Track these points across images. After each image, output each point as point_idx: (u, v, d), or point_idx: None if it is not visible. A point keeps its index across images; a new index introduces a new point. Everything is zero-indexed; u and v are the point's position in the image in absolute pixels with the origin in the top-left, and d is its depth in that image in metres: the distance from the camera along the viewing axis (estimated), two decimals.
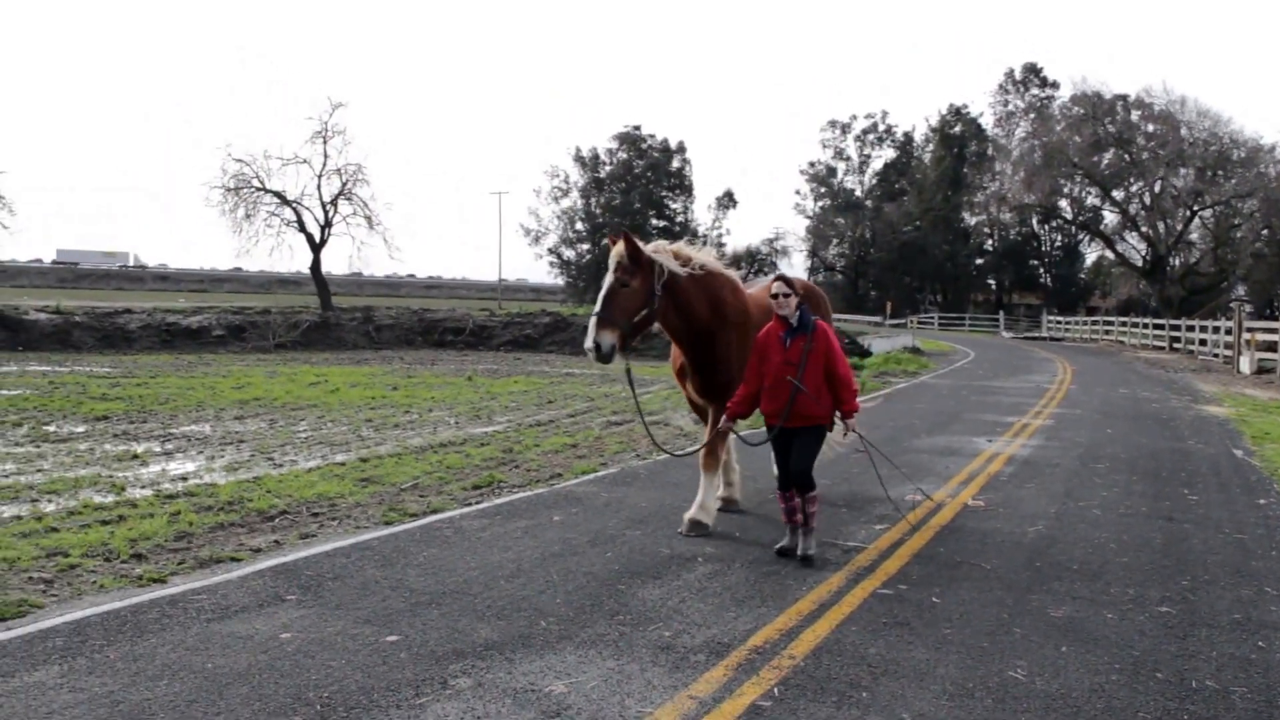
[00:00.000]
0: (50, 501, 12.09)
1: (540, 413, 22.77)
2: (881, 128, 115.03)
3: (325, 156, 61.32)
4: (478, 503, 12.36)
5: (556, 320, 54.03)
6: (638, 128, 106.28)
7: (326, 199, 61.59)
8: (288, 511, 11.72)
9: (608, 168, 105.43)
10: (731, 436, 11.49)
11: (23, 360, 37.86)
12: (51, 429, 18.67)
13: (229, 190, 58.91)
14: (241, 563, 9.50)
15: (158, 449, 16.41)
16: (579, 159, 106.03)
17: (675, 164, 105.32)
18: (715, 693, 6.47)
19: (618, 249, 10.16)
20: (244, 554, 9.81)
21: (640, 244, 10.31)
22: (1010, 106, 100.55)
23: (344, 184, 61.56)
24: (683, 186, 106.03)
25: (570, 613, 8.02)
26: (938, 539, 10.78)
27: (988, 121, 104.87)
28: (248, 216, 59.86)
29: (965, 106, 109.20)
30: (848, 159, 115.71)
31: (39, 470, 14.19)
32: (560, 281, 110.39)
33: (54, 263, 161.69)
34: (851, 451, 13.84)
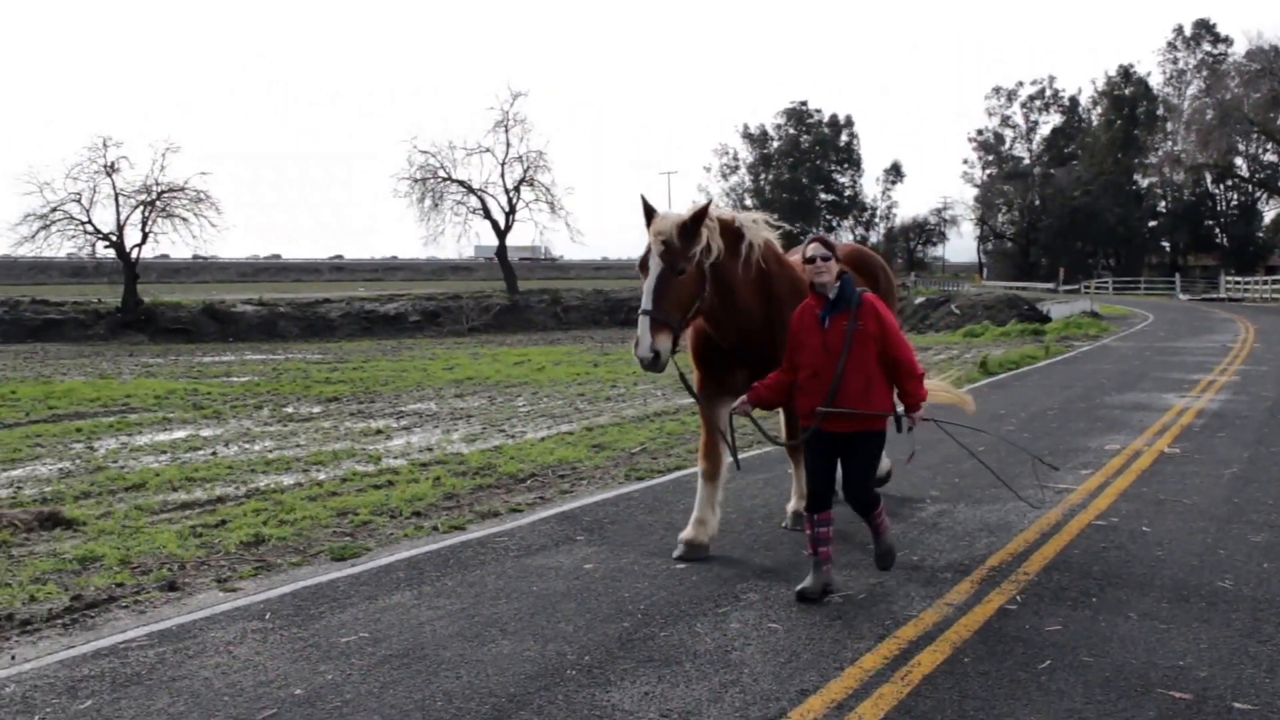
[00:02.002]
0: (320, 471, 13.66)
1: None
2: (1048, 93, 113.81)
3: (507, 145, 63.93)
4: None
5: None
6: (804, 103, 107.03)
7: (509, 186, 63.83)
8: (536, 475, 13.11)
9: (775, 144, 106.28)
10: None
11: (236, 350, 40.49)
12: (290, 410, 20.51)
13: (416, 181, 61.55)
14: (522, 513, 10.92)
15: (395, 425, 18.05)
16: (747, 136, 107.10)
17: (843, 138, 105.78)
18: (966, 600, 7.67)
19: (663, 223, 8.12)
20: (522, 506, 11.25)
21: (699, 214, 8.24)
22: (1181, 64, 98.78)
23: (525, 171, 63.91)
24: (850, 160, 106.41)
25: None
26: (1140, 480, 11.78)
27: (1157, 81, 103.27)
28: (435, 205, 62.54)
29: (1133, 66, 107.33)
30: (1014, 126, 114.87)
31: (297, 445, 15.87)
32: None
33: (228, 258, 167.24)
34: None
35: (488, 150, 64.83)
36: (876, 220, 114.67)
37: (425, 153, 63.19)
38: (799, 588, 7.81)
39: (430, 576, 8.53)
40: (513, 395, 22.61)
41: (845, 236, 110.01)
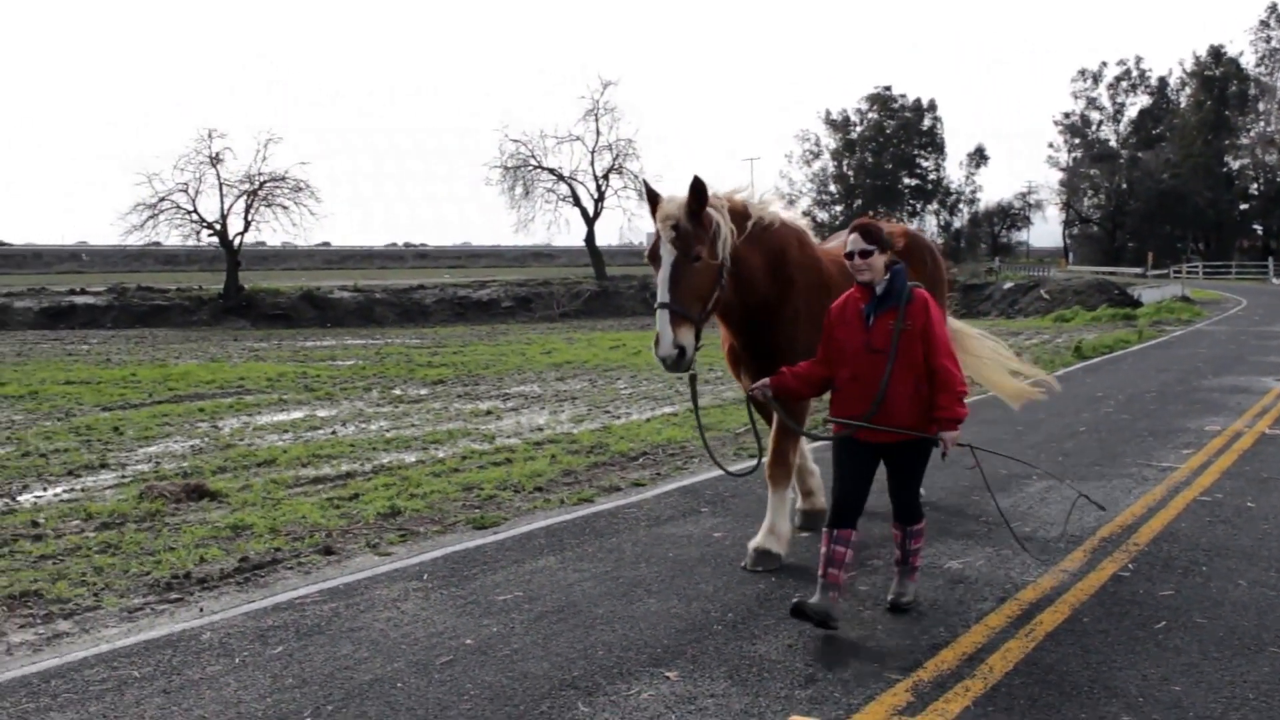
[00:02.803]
0: (439, 449, 14.23)
1: None
2: (1135, 74, 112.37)
3: (597, 133, 64.69)
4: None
5: None
6: (888, 88, 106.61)
7: (599, 173, 64.59)
8: (647, 453, 13.59)
9: (858, 129, 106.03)
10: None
11: (335, 335, 41.41)
12: (398, 392, 21.17)
13: (507, 169, 62.43)
14: (644, 487, 11.41)
15: (502, 406, 18.64)
16: (829, 122, 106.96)
17: (926, 122, 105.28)
18: (1080, 568, 8.07)
19: (669, 205, 7.47)
20: (644, 481, 11.74)
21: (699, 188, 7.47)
22: (1274, 43, 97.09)
23: (615, 158, 64.60)
24: (934, 145, 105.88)
25: (943, 516, 9.73)
26: (1243, 460, 12.06)
27: (1248, 61, 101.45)
28: (526, 193, 63.46)
29: (1224, 46, 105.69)
30: (1101, 108, 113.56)
31: (411, 425, 16.48)
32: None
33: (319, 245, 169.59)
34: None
35: (578, 139, 66.21)
36: (960, 205, 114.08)
37: (516, 141, 64.34)
38: (796, 600, 6.80)
39: (570, 543, 9.04)
40: (612, 378, 23.16)
41: (929, 221, 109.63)
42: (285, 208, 55.62)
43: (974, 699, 5.72)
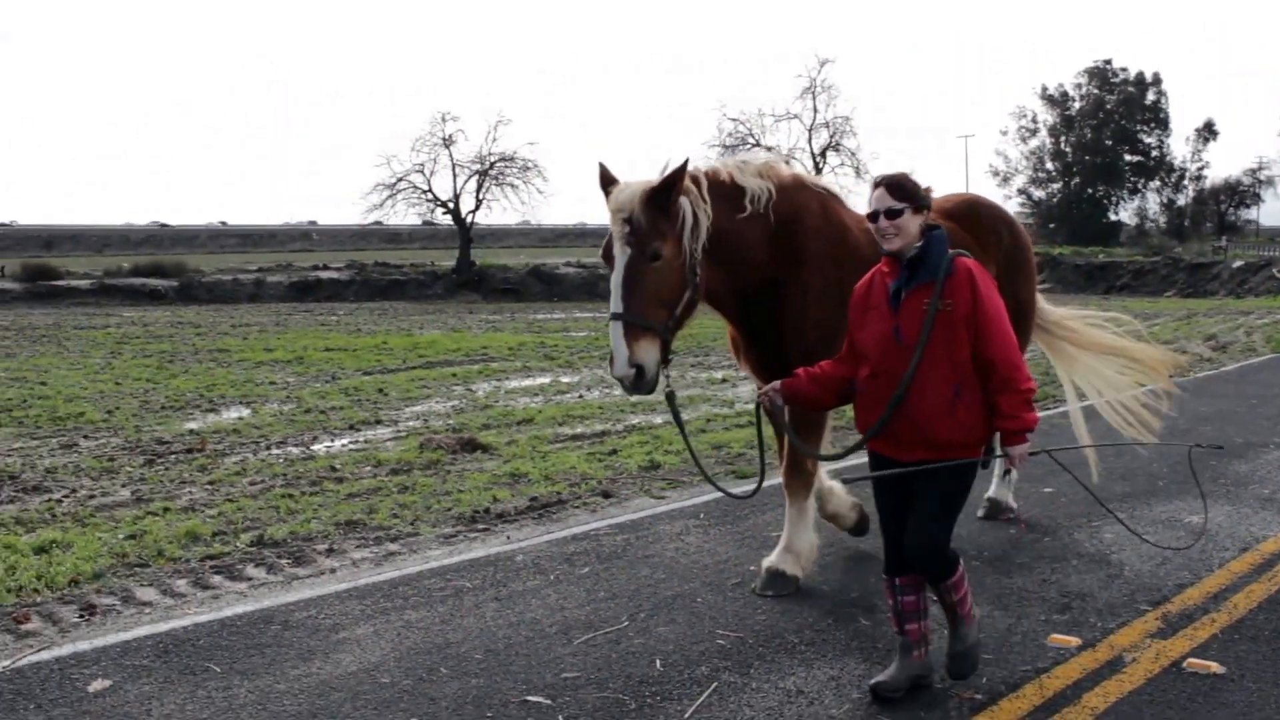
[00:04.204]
0: (683, 413, 15.02)
1: None
2: None
3: (814, 111, 64.99)
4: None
5: (1044, 258, 55.05)
6: (1108, 62, 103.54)
7: (816, 151, 64.99)
8: None
9: (1076, 105, 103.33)
10: None
11: (563, 308, 42.90)
12: None
13: (726, 147, 63.25)
14: None
15: (735, 374, 19.32)
16: (1046, 98, 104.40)
17: (1149, 97, 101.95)
18: None
19: (622, 195, 6.06)
20: None
21: (671, 179, 6.06)
22: None
23: (831, 136, 64.89)
24: (1157, 120, 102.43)
25: (1175, 475, 10.14)
26: None
27: None
28: None
29: None
30: None
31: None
32: (1029, 223, 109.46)
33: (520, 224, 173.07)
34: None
35: (795, 116, 66.69)
36: (1185, 182, 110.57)
37: (734, 120, 65.16)
38: (873, 682, 5.49)
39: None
40: None
41: (1150, 200, 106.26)
42: (514, 186, 58.17)
43: (1220, 628, 6.26)
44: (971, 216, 7.88)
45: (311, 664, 5.91)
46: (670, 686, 5.55)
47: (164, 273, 49.42)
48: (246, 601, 7.07)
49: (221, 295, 46.89)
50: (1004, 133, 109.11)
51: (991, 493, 8.72)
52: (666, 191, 6.01)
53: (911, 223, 5.21)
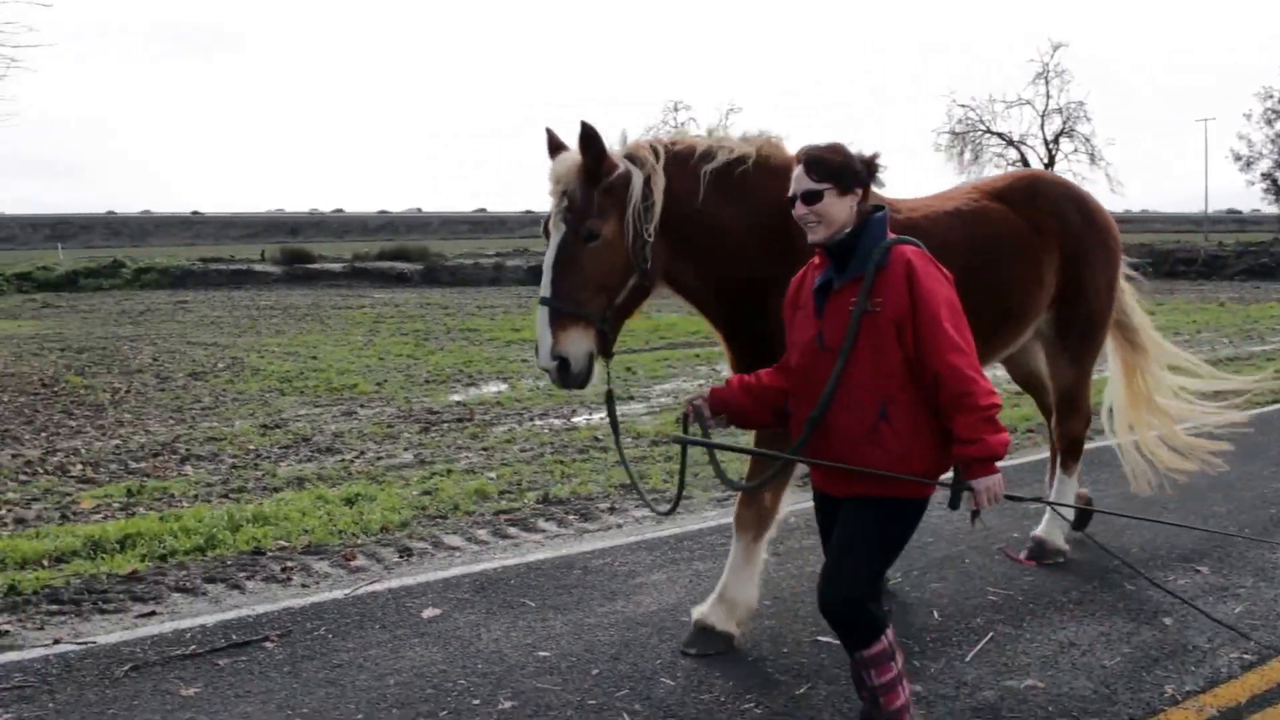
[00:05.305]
0: None
1: None
2: None
3: (1047, 96, 64.05)
4: None
5: None
6: None
7: (1048, 137, 63.97)
8: None
9: None
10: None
11: None
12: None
13: (955, 135, 62.82)
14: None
15: None
16: None
17: None
18: None
19: (561, 165, 5.26)
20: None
21: (607, 145, 5.22)
22: None
23: (1065, 122, 63.81)
24: None
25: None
26: None
27: None
28: (975, 158, 63.70)
29: None
30: None
31: None
32: (1274, 210, 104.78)
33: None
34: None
35: (1027, 103, 65.53)
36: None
37: (964, 106, 64.63)
38: None
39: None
40: None
41: None
42: None
43: None
44: (1027, 196, 6.79)
45: (615, 603, 6.57)
46: (949, 634, 6.02)
47: (408, 257, 51.59)
48: (545, 549, 7.80)
49: (464, 278, 48.53)
50: (1248, 115, 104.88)
51: (1040, 531, 7.41)
52: (600, 161, 5.16)
53: (837, 206, 4.32)
